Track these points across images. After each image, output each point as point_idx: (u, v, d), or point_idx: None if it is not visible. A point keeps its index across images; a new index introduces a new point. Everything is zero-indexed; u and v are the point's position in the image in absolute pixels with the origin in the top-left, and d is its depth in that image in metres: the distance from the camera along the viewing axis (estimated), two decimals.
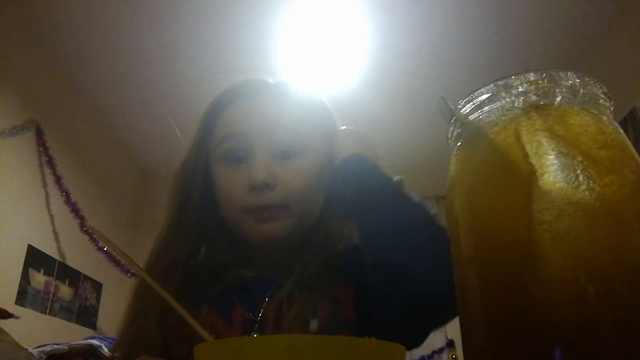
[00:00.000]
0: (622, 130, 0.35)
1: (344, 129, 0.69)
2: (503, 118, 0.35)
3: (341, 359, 0.29)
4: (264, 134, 0.63)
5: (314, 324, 0.59)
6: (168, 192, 0.69)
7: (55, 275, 2.70)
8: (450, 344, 3.19)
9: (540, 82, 0.35)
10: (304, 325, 0.59)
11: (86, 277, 3.01)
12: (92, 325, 3.06)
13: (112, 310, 3.21)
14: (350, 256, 0.65)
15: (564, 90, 0.34)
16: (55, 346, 1.85)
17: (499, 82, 0.36)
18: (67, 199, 2.70)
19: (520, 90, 0.35)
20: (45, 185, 2.61)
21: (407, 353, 0.36)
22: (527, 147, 0.33)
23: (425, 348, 3.16)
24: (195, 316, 0.59)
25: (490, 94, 0.36)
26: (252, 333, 0.59)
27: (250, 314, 0.61)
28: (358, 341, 0.32)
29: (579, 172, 0.31)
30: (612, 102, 0.36)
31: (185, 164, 0.69)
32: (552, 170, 0.31)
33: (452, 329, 3.18)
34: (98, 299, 3.15)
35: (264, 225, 0.63)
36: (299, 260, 0.66)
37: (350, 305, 0.62)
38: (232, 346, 0.31)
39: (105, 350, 1.95)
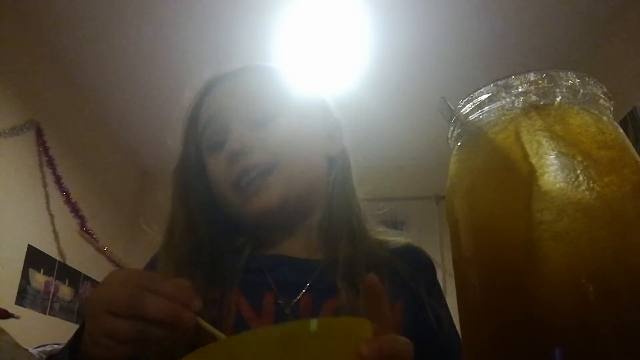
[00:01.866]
0: (622, 130, 0.35)
1: None
2: (503, 118, 0.35)
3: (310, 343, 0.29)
4: (238, 106, 0.63)
5: None
6: (171, 189, 0.68)
7: (55, 275, 2.70)
8: None
9: (540, 82, 0.35)
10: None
11: (86, 277, 3.01)
12: None
13: None
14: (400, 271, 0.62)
15: (564, 90, 0.34)
16: (55, 346, 1.85)
17: (499, 82, 0.36)
18: (67, 199, 2.69)
19: (520, 90, 0.35)
20: (45, 185, 2.61)
21: None
22: (527, 147, 0.33)
23: None
24: (226, 299, 0.58)
25: (490, 94, 0.36)
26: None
27: (281, 302, 0.58)
28: (328, 321, 0.32)
29: (579, 172, 0.31)
30: (612, 102, 0.36)
31: (182, 160, 0.68)
32: (552, 170, 0.31)
33: None
34: None
35: (252, 199, 0.60)
36: (327, 243, 0.64)
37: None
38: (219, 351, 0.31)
39: None
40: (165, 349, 0.46)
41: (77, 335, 0.48)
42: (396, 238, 0.68)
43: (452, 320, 0.65)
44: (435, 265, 0.69)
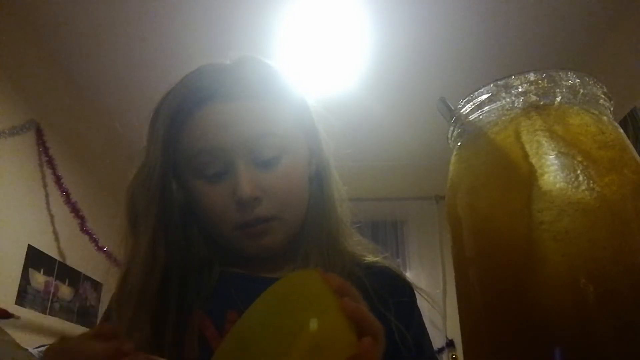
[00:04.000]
0: (622, 130, 0.35)
1: None
2: (503, 118, 0.35)
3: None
4: (243, 146, 0.59)
5: None
6: (127, 201, 0.65)
7: (55, 275, 2.70)
8: (450, 344, 3.19)
9: (540, 82, 0.35)
10: None
11: (86, 277, 3.00)
12: (92, 325, 3.06)
13: None
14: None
15: (564, 90, 0.34)
16: None
17: (499, 82, 0.36)
18: (67, 199, 2.69)
19: (520, 90, 0.35)
20: (45, 185, 2.61)
21: None
22: (527, 147, 0.33)
23: None
24: (187, 320, 0.57)
25: (490, 94, 0.36)
26: None
27: None
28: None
29: (579, 172, 0.31)
30: (612, 102, 0.36)
31: (147, 171, 0.63)
32: (552, 170, 0.31)
33: (452, 329, 3.18)
34: (98, 299, 3.15)
35: (257, 240, 0.61)
36: (297, 260, 0.64)
37: None
38: None
39: None
40: None
41: None
42: (374, 257, 0.67)
43: (432, 348, 0.67)
44: (414, 290, 0.67)
